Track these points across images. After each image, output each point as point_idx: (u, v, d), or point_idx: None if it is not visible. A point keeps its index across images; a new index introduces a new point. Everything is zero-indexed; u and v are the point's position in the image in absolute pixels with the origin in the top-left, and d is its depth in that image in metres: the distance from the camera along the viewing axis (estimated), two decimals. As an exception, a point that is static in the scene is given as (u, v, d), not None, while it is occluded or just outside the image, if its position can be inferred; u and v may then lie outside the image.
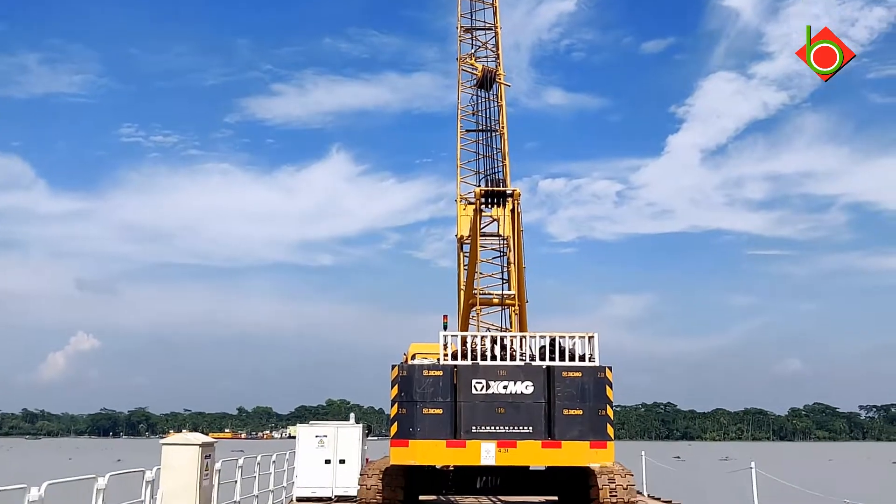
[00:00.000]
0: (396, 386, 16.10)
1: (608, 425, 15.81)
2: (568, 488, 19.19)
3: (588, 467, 16.71)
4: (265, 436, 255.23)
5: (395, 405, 16.02)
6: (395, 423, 15.95)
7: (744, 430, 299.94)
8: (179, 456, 11.10)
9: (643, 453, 26.59)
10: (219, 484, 15.50)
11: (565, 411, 15.81)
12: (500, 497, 22.45)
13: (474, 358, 16.43)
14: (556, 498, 21.37)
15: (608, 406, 15.89)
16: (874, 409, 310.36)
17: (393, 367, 16.28)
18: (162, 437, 11.78)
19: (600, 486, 16.75)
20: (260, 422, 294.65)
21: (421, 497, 20.88)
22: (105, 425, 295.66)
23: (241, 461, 17.68)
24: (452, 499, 22.46)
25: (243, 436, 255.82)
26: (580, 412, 15.80)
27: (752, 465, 18.06)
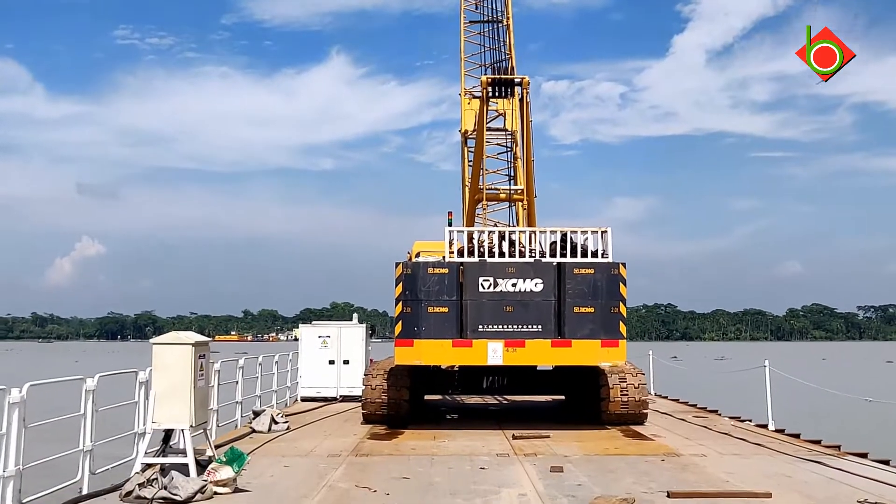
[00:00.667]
0: (401, 284, 15.44)
1: (620, 323, 15.21)
2: (576, 388, 18.80)
3: (598, 367, 16.23)
4: (271, 338, 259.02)
5: (400, 304, 15.40)
6: (400, 323, 15.36)
7: (742, 331, 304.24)
8: (171, 356, 10.49)
9: (650, 352, 26.27)
10: (219, 385, 15.06)
11: (576, 309, 15.18)
12: (506, 397, 22.18)
13: (481, 255, 15.71)
14: (563, 397, 21.08)
15: (621, 304, 15.25)
16: (872, 310, 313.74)
17: (397, 265, 15.58)
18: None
19: (611, 386, 16.29)
20: (265, 324, 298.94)
21: (426, 397, 20.58)
22: (113, 329, 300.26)
23: (241, 362, 17.21)
24: (458, 398, 22.20)
25: (249, 338, 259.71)
26: (592, 310, 15.18)
27: (766, 363, 17.58)
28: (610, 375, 16.43)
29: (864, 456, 12.58)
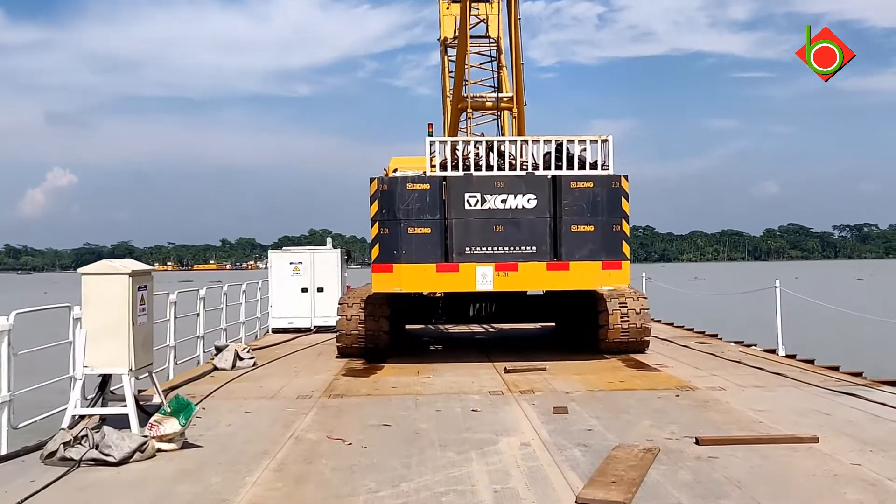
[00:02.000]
0: (376, 202, 13.72)
1: (623, 243, 13.63)
2: (571, 314, 17.36)
3: (596, 291, 14.70)
4: (249, 266, 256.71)
5: (376, 225, 13.71)
6: (377, 246, 13.70)
7: (720, 252, 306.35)
8: (104, 288, 8.82)
9: (643, 274, 24.89)
10: (175, 318, 13.44)
11: (574, 228, 13.56)
12: (494, 325, 20.75)
13: (467, 168, 13.99)
14: (553, 325, 19.68)
15: (623, 221, 13.65)
16: (847, 229, 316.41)
17: (372, 180, 13.83)
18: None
19: (610, 312, 14.82)
20: (244, 253, 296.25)
21: (407, 326, 19.11)
22: (89, 259, 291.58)
23: (202, 292, 15.55)
24: (441, 327, 20.74)
25: (228, 267, 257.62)
26: (591, 228, 13.57)
27: (777, 283, 16.19)
28: (609, 300, 14.95)
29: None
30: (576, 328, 17.26)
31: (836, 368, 13.60)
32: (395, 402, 10.60)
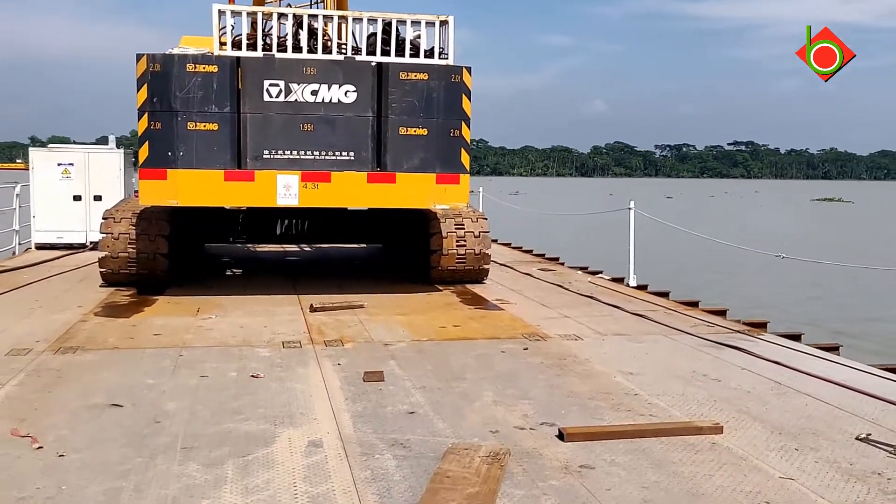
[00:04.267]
0: (145, 87, 10.35)
1: (463, 152, 11.05)
2: (400, 235, 14.82)
3: (429, 210, 12.14)
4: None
5: (145, 116, 10.37)
6: (146, 145, 10.40)
7: (549, 167, 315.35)
8: None
9: (481, 189, 22.70)
10: None
11: (403, 130, 10.82)
12: (311, 244, 17.87)
13: (267, 48, 10.83)
14: (380, 246, 17.09)
15: (464, 124, 11.04)
16: (667, 148, 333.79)
17: (139, 57, 10.41)
18: None
19: (444, 234, 12.38)
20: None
21: (207, 245, 15.95)
22: None
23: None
24: (250, 247, 17.64)
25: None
26: (424, 132, 10.87)
27: (632, 204, 14.29)
28: (444, 220, 12.47)
29: (794, 338, 9.50)
30: (405, 252, 14.76)
31: (695, 304, 11.94)
32: (149, 360, 7.63)
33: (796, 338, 9.78)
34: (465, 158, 11.04)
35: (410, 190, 10.84)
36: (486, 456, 5.03)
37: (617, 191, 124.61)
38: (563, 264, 16.89)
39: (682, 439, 5.53)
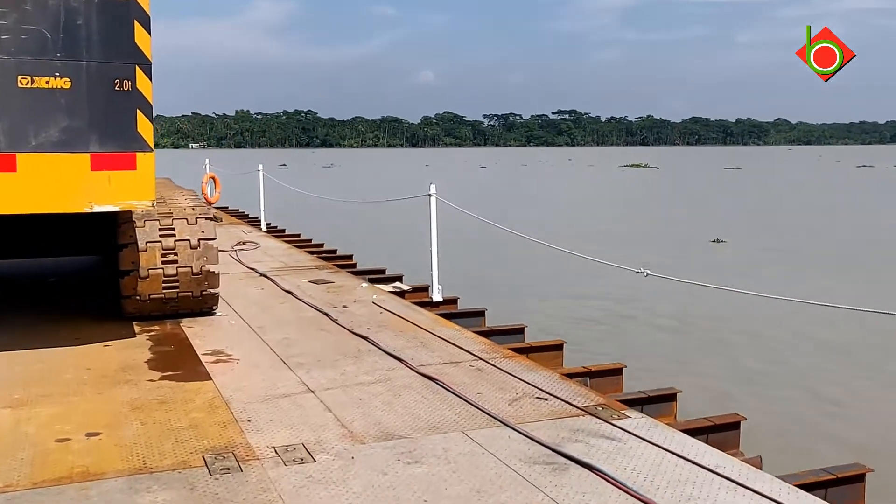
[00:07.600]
0: None
1: (140, 115, 6.68)
2: (109, 242, 10.26)
3: (122, 212, 7.65)
4: None
5: None
6: None
7: (380, 138, 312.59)
8: None
9: (260, 167, 18.25)
10: None
11: (24, 81, 6.32)
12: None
13: None
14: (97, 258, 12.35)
15: (140, 70, 6.66)
16: (495, 118, 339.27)
17: None
18: None
19: (143, 246, 7.98)
20: None
21: None
22: None
23: None
24: None
25: None
26: (65, 83, 6.42)
27: (433, 189, 10.47)
28: (141, 224, 8.08)
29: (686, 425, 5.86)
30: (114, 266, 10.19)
31: (520, 332, 8.34)
32: None
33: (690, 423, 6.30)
34: (146, 127, 6.66)
35: (43, 183, 6.37)
36: None
37: (435, 162, 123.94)
38: (354, 265, 12.96)
39: None
